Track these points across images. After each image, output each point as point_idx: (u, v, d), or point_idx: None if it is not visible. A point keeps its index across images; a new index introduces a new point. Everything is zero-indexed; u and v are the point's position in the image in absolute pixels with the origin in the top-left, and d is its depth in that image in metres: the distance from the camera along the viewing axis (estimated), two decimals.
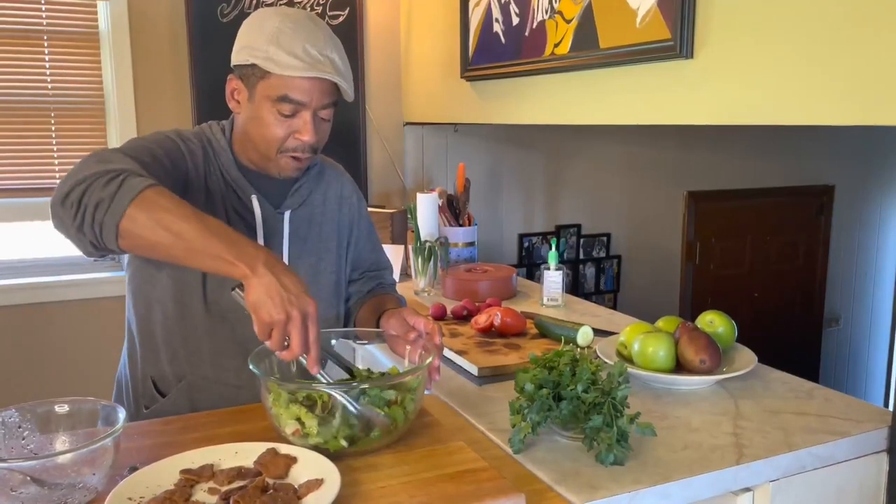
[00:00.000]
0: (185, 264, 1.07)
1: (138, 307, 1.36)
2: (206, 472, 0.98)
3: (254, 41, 1.24)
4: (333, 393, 1.06)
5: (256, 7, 2.51)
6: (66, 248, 2.50)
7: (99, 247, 1.06)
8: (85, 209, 1.03)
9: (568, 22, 1.88)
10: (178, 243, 1.02)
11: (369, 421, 1.06)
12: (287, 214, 1.38)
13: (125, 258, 1.35)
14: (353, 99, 1.32)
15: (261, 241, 1.35)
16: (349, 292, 1.54)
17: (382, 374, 1.23)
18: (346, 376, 1.22)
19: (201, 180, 1.30)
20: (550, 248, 2.14)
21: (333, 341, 1.32)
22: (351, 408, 1.06)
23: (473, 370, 1.56)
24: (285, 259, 1.37)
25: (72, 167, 1.09)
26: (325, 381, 1.09)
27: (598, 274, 3.35)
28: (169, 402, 1.35)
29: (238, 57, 1.27)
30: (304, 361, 1.05)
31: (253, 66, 1.24)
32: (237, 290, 1.07)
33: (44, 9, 2.33)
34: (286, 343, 1.03)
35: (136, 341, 1.37)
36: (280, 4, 2.55)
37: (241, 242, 1.03)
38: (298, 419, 1.06)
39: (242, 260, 1.01)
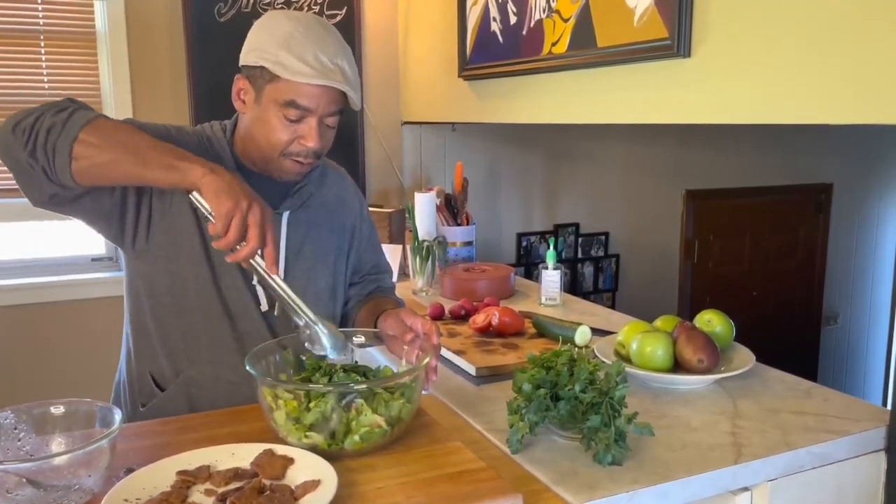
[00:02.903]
0: (139, 180, 1.13)
1: (135, 303, 1.35)
2: (203, 474, 0.98)
3: (264, 44, 1.24)
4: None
5: (253, 7, 2.50)
6: (65, 247, 2.51)
7: (50, 176, 1.10)
8: (37, 134, 1.08)
9: (565, 21, 1.88)
10: (131, 158, 1.09)
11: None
12: (286, 215, 1.38)
13: (122, 257, 1.35)
14: (360, 107, 1.32)
15: None
16: (348, 295, 1.53)
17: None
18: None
19: None
20: (549, 247, 2.14)
21: None
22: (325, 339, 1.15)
23: (471, 370, 1.56)
24: (282, 260, 1.37)
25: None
26: (285, 286, 1.15)
27: (596, 273, 3.35)
28: (167, 398, 1.34)
29: (247, 58, 1.27)
30: (262, 263, 1.10)
31: (262, 68, 1.24)
32: (194, 194, 1.11)
33: (40, 9, 2.33)
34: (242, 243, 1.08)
35: (134, 338, 1.37)
36: (278, 2, 2.55)
37: (190, 155, 1.12)
38: (296, 420, 1.06)
39: (195, 164, 1.10)
